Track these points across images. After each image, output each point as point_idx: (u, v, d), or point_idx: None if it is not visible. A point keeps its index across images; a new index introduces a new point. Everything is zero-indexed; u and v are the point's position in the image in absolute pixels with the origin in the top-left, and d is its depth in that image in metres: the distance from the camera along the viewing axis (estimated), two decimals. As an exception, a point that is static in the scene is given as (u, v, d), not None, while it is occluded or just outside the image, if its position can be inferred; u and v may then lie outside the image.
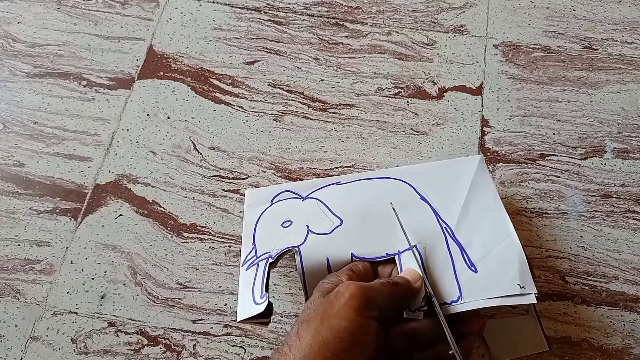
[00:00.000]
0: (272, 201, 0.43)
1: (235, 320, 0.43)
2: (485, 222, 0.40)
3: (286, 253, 0.38)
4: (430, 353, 0.35)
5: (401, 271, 0.38)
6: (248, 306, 0.36)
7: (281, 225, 0.41)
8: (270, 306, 0.35)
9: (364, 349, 0.31)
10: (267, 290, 0.36)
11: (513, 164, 0.50)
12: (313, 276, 0.37)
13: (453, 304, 0.36)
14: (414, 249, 0.38)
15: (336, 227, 0.40)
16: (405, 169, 0.44)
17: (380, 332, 0.33)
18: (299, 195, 0.43)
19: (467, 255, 0.38)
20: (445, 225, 0.40)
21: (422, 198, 0.41)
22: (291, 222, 0.41)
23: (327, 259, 0.37)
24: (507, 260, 0.37)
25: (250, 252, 0.40)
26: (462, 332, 0.36)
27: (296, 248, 0.38)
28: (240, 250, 0.43)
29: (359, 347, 0.30)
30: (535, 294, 0.36)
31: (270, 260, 0.38)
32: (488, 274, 0.37)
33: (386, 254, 0.38)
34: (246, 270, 0.39)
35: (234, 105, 0.53)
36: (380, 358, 0.34)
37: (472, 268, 0.38)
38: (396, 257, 0.38)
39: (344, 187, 0.43)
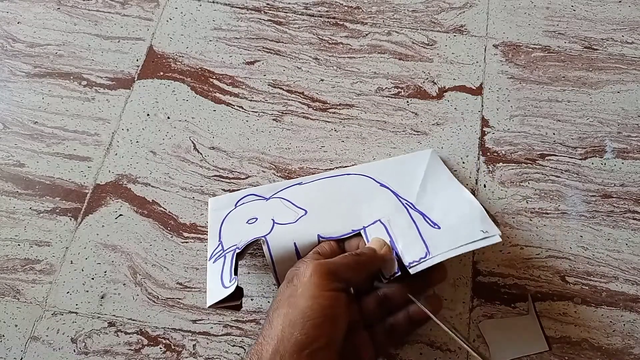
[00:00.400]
0: (236, 204, 0.44)
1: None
2: (443, 194, 0.43)
3: (253, 244, 0.39)
4: (402, 315, 0.37)
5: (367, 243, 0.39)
6: (217, 291, 0.37)
7: (246, 222, 0.42)
8: (239, 289, 0.36)
9: (334, 321, 0.31)
10: (235, 274, 0.37)
11: (513, 164, 0.50)
12: (283, 264, 0.37)
13: (422, 260, 0.37)
14: (379, 222, 0.40)
15: (301, 217, 0.41)
16: (363, 165, 0.47)
17: (350, 302, 0.34)
18: (263, 197, 0.44)
19: (428, 218, 0.40)
20: (405, 202, 0.42)
21: (382, 185, 0.44)
22: (256, 218, 0.42)
23: (295, 244, 0.38)
24: (467, 215, 0.40)
25: (217, 247, 0.41)
26: (427, 287, 0.39)
27: (263, 238, 0.39)
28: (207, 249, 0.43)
29: (328, 321, 0.31)
30: (499, 234, 0.38)
31: (238, 250, 0.38)
32: (451, 227, 0.39)
33: (351, 230, 0.40)
34: (213, 262, 0.40)
35: (234, 105, 0.53)
36: (355, 327, 0.36)
37: (436, 226, 0.40)
38: (362, 232, 0.40)
39: (307, 185, 0.45)
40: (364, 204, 0.42)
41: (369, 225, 0.40)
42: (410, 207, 0.42)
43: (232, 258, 0.38)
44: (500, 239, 0.37)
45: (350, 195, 0.43)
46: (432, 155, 0.47)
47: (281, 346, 0.30)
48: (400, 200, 0.42)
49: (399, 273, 0.37)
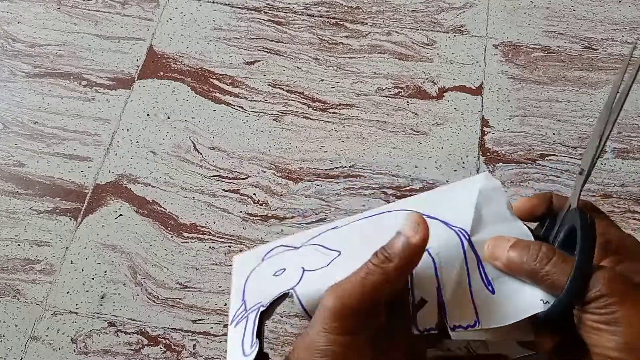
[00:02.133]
0: (263, 259, 0.39)
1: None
2: (501, 228, 0.34)
3: (281, 299, 0.33)
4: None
5: (410, 284, 0.31)
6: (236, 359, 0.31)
7: (274, 275, 0.36)
8: (264, 355, 0.30)
9: None
10: (258, 337, 0.31)
11: (513, 164, 0.50)
12: None
13: (469, 328, 0.30)
14: (426, 252, 0.31)
15: (334, 258, 0.35)
16: (407, 200, 0.39)
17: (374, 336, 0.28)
18: (293, 247, 0.39)
19: (483, 269, 0.32)
20: (459, 229, 0.33)
21: (429, 216, 0.35)
22: (284, 269, 0.36)
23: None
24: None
25: (240, 307, 0.35)
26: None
27: (291, 290, 0.32)
28: (229, 306, 0.38)
29: None
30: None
31: (262, 308, 0.32)
32: (506, 295, 0.31)
33: None
34: (235, 327, 0.34)
35: (234, 105, 0.53)
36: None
37: (489, 287, 0.32)
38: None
39: (343, 228, 0.38)
40: None
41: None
42: (464, 235, 0.33)
43: (256, 318, 0.32)
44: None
45: (392, 230, 0.33)
46: (486, 177, 0.37)
47: None
48: (452, 228, 0.34)
49: (436, 330, 0.30)
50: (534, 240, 0.28)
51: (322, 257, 0.35)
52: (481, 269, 0.32)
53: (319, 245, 0.37)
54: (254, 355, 0.29)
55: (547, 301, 0.29)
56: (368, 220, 0.38)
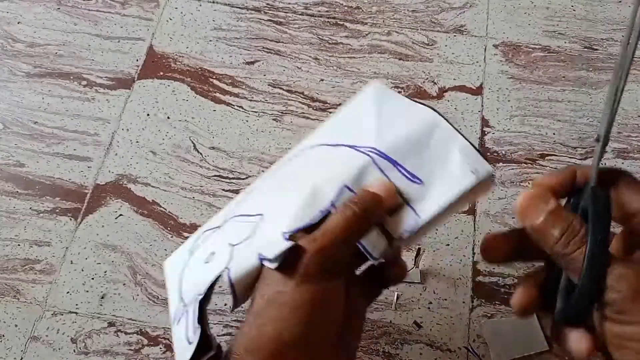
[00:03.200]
0: (191, 253, 0.37)
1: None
2: (406, 124, 0.33)
3: (216, 282, 0.32)
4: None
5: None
6: (183, 351, 0.30)
7: (205, 262, 0.35)
8: (207, 337, 0.30)
9: (326, 315, 0.27)
10: (200, 323, 0.30)
11: (513, 164, 0.50)
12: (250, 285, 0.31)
13: (414, 229, 0.30)
14: (345, 188, 0.31)
15: (258, 223, 0.34)
16: (310, 137, 0.38)
17: (348, 282, 0.29)
18: (217, 227, 0.38)
19: (402, 167, 0.32)
20: (367, 149, 0.33)
21: (336, 145, 0.35)
22: (214, 252, 0.35)
23: (260, 256, 0.31)
24: (446, 152, 0.31)
25: (179, 306, 0.35)
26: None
27: (225, 269, 0.31)
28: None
29: (319, 315, 0.27)
30: (492, 172, 0.30)
31: (200, 297, 0.32)
32: (435, 177, 0.31)
33: (319, 212, 0.31)
34: (177, 324, 0.33)
35: (234, 105, 0.53)
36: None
37: (416, 180, 0.31)
38: (332, 210, 0.31)
39: (257, 190, 0.38)
40: (321, 176, 0.33)
41: (336, 199, 0.31)
42: (374, 153, 0.32)
43: (195, 307, 0.32)
44: (492, 170, 0.30)
45: (305, 174, 0.34)
46: (374, 87, 0.36)
47: (279, 343, 0.26)
48: (360, 152, 0.33)
49: (391, 249, 0.31)
50: (571, 214, 0.25)
51: (246, 226, 0.34)
52: (400, 168, 0.31)
53: (240, 215, 0.36)
54: (197, 339, 0.29)
55: (476, 169, 0.30)
56: (281, 172, 0.37)
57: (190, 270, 0.36)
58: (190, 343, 0.30)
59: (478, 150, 0.31)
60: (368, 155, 0.32)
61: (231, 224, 0.36)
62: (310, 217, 0.30)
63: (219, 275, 0.31)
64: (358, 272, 0.33)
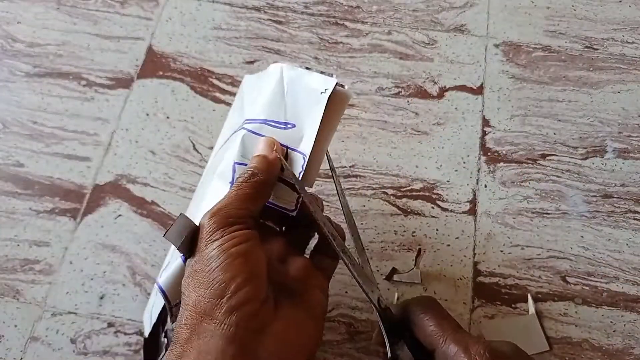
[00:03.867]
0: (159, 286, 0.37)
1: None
2: (263, 85, 0.36)
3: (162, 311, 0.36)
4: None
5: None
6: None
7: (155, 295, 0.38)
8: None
9: (246, 257, 0.28)
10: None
11: (514, 164, 0.50)
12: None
13: (304, 166, 0.32)
14: (235, 164, 0.34)
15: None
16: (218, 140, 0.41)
17: (265, 234, 0.31)
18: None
19: (271, 121, 0.34)
20: (241, 124, 0.36)
21: (230, 135, 0.38)
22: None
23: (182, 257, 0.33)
24: (298, 89, 0.34)
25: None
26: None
27: (157, 286, 0.34)
28: None
29: (238, 259, 0.28)
30: (334, 78, 0.33)
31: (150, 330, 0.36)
32: (301, 114, 0.33)
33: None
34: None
35: (233, 105, 0.53)
36: (285, 257, 0.33)
37: (289, 125, 0.34)
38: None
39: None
40: (219, 168, 0.35)
41: (233, 178, 0.34)
42: (247, 123, 0.35)
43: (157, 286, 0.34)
44: (342, 85, 0.33)
45: (210, 172, 0.37)
46: (277, 67, 0.37)
47: (199, 306, 0.27)
48: (238, 130, 0.36)
49: (301, 195, 0.33)
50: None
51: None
52: (270, 123, 0.34)
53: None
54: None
55: (326, 89, 0.32)
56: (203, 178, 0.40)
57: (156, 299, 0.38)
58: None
59: (317, 72, 0.34)
60: (243, 128, 0.35)
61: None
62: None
63: (162, 291, 0.33)
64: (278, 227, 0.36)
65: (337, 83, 0.32)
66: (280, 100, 0.34)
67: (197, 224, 0.30)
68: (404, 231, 0.47)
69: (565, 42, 0.56)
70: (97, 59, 0.56)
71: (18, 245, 0.47)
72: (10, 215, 0.48)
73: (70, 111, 0.53)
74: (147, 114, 0.53)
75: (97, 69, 0.55)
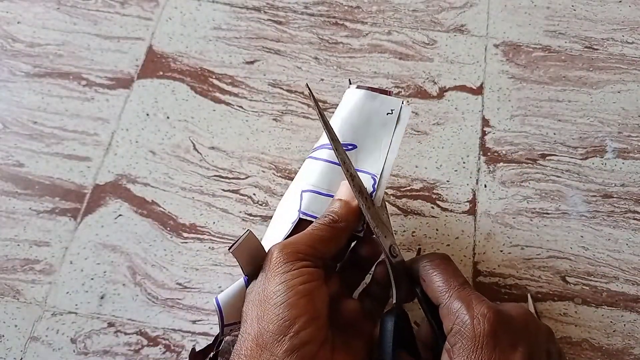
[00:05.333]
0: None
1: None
2: (343, 108, 0.37)
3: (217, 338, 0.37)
4: (379, 270, 0.34)
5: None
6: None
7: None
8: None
9: (310, 297, 0.28)
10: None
11: (514, 164, 0.50)
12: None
13: (375, 186, 0.34)
14: (304, 192, 0.34)
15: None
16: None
17: (331, 275, 0.31)
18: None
19: (345, 145, 0.35)
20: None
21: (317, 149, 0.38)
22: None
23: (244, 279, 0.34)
24: (367, 111, 0.35)
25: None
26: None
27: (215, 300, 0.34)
28: None
29: (303, 298, 0.28)
30: (403, 103, 0.35)
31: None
32: (366, 136, 0.35)
33: (291, 223, 0.34)
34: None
35: (233, 105, 0.53)
36: (341, 298, 0.33)
37: (350, 147, 0.35)
38: (302, 216, 0.34)
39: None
40: (293, 190, 0.36)
41: (300, 205, 0.34)
42: (326, 148, 0.36)
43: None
44: (407, 105, 0.35)
45: (292, 192, 0.37)
46: (350, 91, 0.39)
47: (261, 339, 0.27)
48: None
49: (362, 229, 0.34)
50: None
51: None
52: (344, 146, 0.35)
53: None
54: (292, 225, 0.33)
55: (392, 110, 0.35)
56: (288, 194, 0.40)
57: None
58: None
59: (381, 91, 0.35)
60: (319, 158, 0.36)
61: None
62: (286, 232, 0.33)
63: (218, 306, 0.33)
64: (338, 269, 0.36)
65: (402, 102, 0.34)
66: (342, 122, 0.36)
67: (264, 247, 0.31)
68: (404, 231, 0.47)
69: (565, 42, 0.56)
70: (97, 59, 0.56)
71: (18, 245, 0.47)
72: (11, 215, 0.48)
73: (70, 111, 0.53)
74: (147, 114, 0.53)
75: (97, 69, 0.55)
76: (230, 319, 0.33)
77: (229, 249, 0.31)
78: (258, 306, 0.29)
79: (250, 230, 0.31)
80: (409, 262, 0.32)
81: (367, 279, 0.36)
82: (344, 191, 0.33)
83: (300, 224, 0.33)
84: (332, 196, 0.34)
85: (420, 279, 0.31)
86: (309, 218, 0.34)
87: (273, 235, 0.35)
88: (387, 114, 0.34)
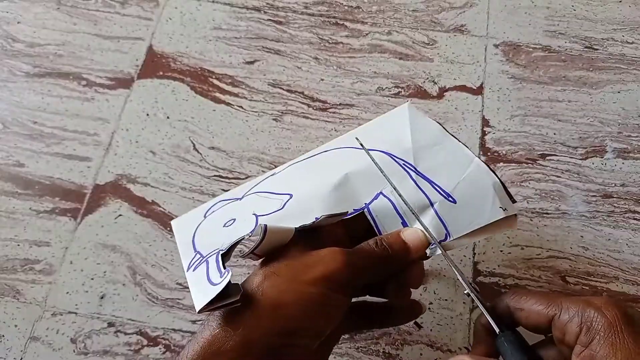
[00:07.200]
0: (205, 215, 0.38)
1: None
2: (441, 152, 0.36)
3: (238, 243, 0.33)
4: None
5: (376, 228, 0.33)
6: (205, 291, 0.30)
7: (223, 226, 0.36)
8: (234, 285, 0.29)
9: (329, 319, 0.29)
10: (225, 268, 0.31)
11: (514, 164, 0.50)
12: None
13: (442, 242, 0.33)
14: (381, 195, 0.33)
15: (287, 201, 0.35)
16: (340, 138, 0.40)
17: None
18: (235, 198, 0.39)
19: (437, 185, 0.34)
20: (403, 162, 0.35)
21: (375, 150, 0.36)
22: (234, 219, 0.36)
23: (295, 229, 0.32)
24: (481, 186, 0.34)
25: (194, 256, 0.35)
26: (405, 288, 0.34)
27: (249, 234, 0.33)
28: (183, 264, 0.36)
29: (323, 317, 0.29)
30: (516, 213, 0.34)
31: (222, 251, 0.32)
32: (467, 203, 0.33)
33: (353, 209, 0.33)
34: (194, 271, 0.33)
35: (233, 105, 0.53)
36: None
37: (450, 199, 0.33)
38: (365, 212, 0.33)
39: (284, 172, 0.39)
40: (356, 176, 0.35)
41: (371, 202, 0.33)
42: (411, 169, 0.35)
43: (218, 258, 0.32)
44: (516, 217, 0.33)
45: (338, 169, 0.36)
46: (410, 108, 0.39)
47: (270, 324, 0.28)
48: (396, 161, 0.35)
49: None
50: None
51: (274, 202, 0.36)
52: (435, 186, 0.34)
53: (266, 192, 0.38)
54: (225, 281, 0.28)
55: (505, 208, 0.33)
56: (311, 161, 0.39)
57: (204, 230, 0.37)
58: (214, 284, 0.30)
59: (508, 192, 0.34)
60: (404, 168, 0.35)
61: (254, 198, 0.38)
62: (342, 209, 0.33)
63: (242, 238, 0.32)
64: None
65: (516, 214, 0.33)
66: (455, 178, 0.34)
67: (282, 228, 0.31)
68: (404, 231, 0.47)
69: (565, 42, 0.57)
70: (97, 59, 0.56)
71: (18, 245, 0.47)
72: (11, 215, 0.48)
73: (70, 111, 0.53)
74: (147, 114, 0.53)
75: (97, 69, 0.55)
76: (265, 248, 0.31)
77: (247, 255, 0.30)
78: (280, 294, 0.29)
79: (265, 225, 0.30)
80: (490, 309, 0.31)
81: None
82: (410, 233, 0.32)
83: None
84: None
85: (517, 311, 0.30)
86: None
87: (310, 185, 0.35)
88: (500, 207, 0.33)
